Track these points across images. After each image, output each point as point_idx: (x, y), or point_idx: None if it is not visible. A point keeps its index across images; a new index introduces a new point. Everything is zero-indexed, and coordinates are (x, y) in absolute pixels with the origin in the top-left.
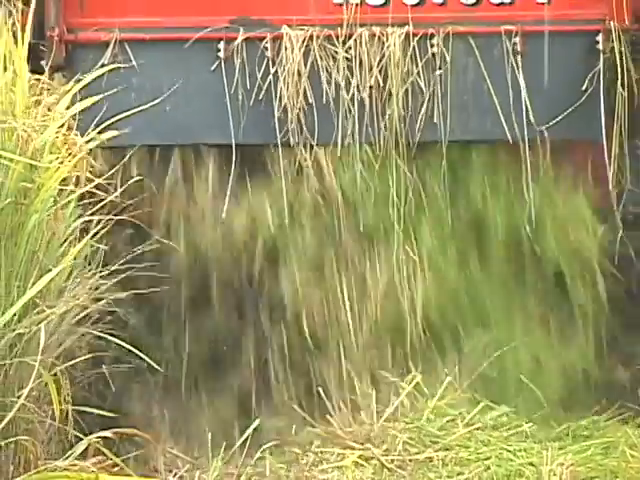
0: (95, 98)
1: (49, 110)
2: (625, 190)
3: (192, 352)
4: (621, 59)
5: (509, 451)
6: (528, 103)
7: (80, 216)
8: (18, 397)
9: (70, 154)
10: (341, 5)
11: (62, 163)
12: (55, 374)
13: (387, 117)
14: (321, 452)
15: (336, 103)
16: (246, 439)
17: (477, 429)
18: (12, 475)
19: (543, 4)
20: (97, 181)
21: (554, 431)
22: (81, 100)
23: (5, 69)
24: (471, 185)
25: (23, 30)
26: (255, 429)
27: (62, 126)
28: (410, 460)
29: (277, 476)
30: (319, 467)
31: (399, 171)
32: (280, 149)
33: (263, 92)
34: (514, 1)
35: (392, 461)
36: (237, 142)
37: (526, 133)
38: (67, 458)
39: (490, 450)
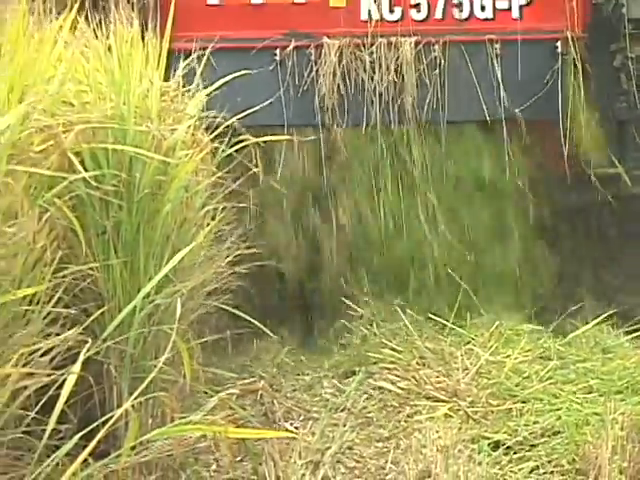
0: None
1: (178, 113)
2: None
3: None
4: (574, 59)
5: (577, 403)
6: (505, 93)
7: (206, 204)
8: (156, 360)
9: (197, 150)
10: (366, 21)
11: (190, 158)
12: (188, 339)
13: (400, 103)
14: (415, 405)
15: (362, 95)
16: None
17: (549, 384)
18: (151, 427)
19: (517, 19)
20: (219, 173)
21: (616, 384)
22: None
23: (141, 80)
24: (465, 149)
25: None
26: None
27: (190, 127)
28: (492, 411)
29: (380, 424)
30: (414, 418)
31: (410, 143)
32: (320, 129)
33: (308, 86)
34: (495, 17)
35: (476, 412)
36: (288, 124)
37: (504, 114)
38: (199, 413)
39: (560, 402)
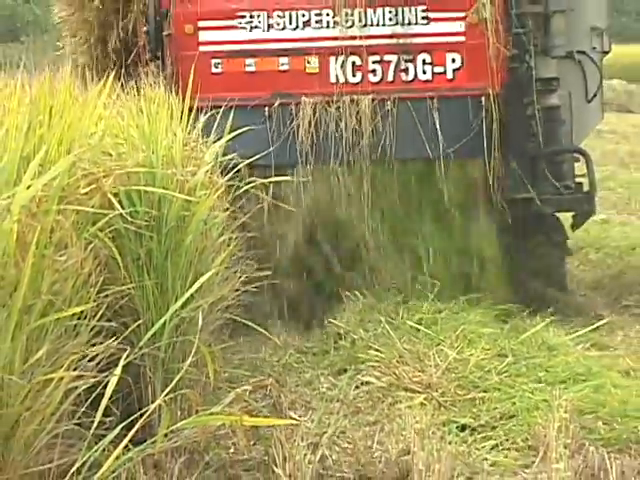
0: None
1: (197, 160)
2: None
3: None
4: (493, 110)
5: (528, 392)
6: (442, 137)
7: (222, 234)
8: (183, 363)
9: (213, 190)
10: (334, 84)
11: (208, 197)
12: (209, 345)
13: (361, 145)
14: (396, 395)
15: (330, 139)
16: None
17: (505, 377)
18: (180, 418)
19: (451, 80)
20: (231, 209)
21: (560, 375)
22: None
23: (166, 133)
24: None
25: None
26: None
27: (207, 171)
28: (459, 400)
29: (367, 412)
30: (395, 406)
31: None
32: (300, 166)
33: (289, 134)
34: (433, 79)
35: (446, 401)
36: (275, 163)
37: (441, 153)
38: (219, 406)
39: (515, 391)
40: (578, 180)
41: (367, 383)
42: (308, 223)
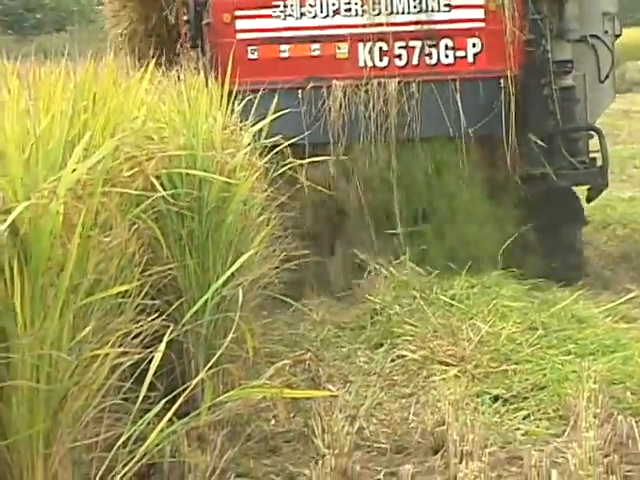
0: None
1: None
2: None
3: None
4: (511, 91)
5: (559, 363)
6: (463, 116)
7: (261, 214)
8: (224, 339)
9: (252, 171)
10: (362, 68)
11: (247, 178)
12: (249, 322)
13: (388, 124)
14: (431, 369)
15: (359, 120)
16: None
17: (536, 349)
18: (222, 392)
19: (471, 63)
20: (270, 189)
21: (589, 347)
22: None
23: (206, 117)
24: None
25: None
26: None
27: (246, 153)
28: (492, 372)
29: (403, 385)
30: (430, 379)
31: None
32: (332, 145)
33: (322, 115)
34: (455, 62)
35: (479, 373)
36: (309, 142)
37: (462, 132)
38: (260, 380)
39: (545, 363)
40: (592, 156)
41: (402, 357)
42: (340, 199)
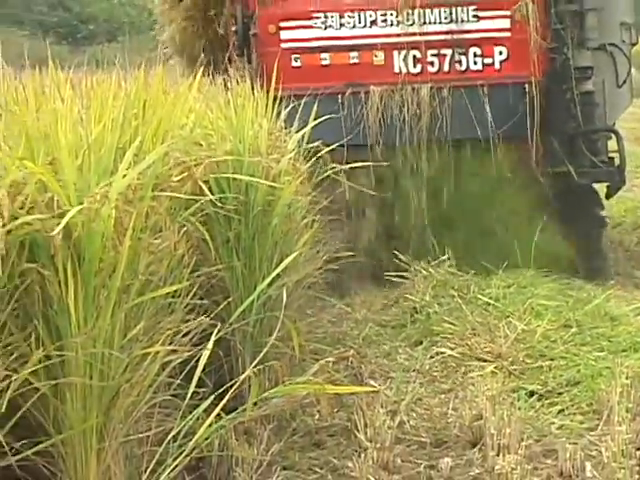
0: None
1: (281, 148)
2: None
3: None
4: (536, 96)
5: (592, 360)
6: (491, 119)
7: (305, 217)
8: (270, 337)
9: (297, 176)
10: (397, 74)
11: (292, 183)
12: (294, 321)
13: (421, 127)
14: (469, 365)
15: (394, 122)
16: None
17: (571, 346)
18: (268, 388)
19: (498, 70)
20: (313, 193)
21: (622, 344)
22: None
23: (252, 124)
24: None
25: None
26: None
27: (290, 158)
28: (527, 368)
29: (442, 381)
30: (468, 375)
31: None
32: (369, 147)
33: (360, 119)
34: (483, 69)
35: (515, 370)
36: (348, 144)
37: (490, 134)
38: (304, 376)
39: (579, 360)
40: (611, 155)
41: (441, 354)
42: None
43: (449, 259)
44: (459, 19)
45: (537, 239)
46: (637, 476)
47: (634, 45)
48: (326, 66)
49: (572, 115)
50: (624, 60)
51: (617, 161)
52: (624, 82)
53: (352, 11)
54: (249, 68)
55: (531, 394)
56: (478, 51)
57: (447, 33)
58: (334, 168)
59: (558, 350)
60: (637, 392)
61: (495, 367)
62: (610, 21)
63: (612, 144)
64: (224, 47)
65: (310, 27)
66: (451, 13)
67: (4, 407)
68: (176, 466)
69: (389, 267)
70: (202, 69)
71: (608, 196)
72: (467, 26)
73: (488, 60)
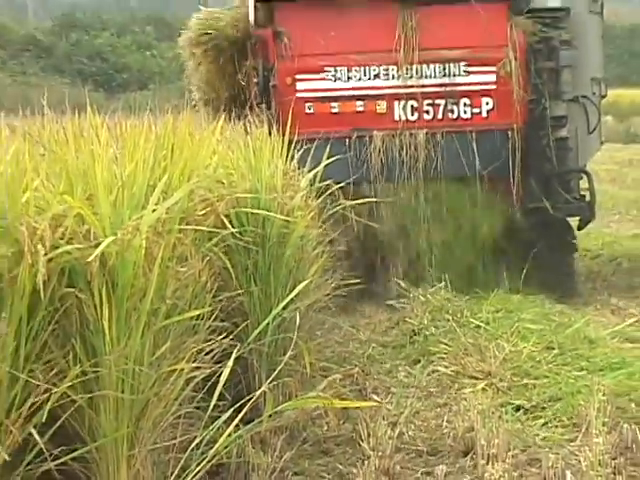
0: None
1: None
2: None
3: None
4: (517, 141)
5: (572, 378)
6: (478, 161)
7: (316, 248)
8: (283, 356)
9: (308, 211)
10: (397, 121)
11: (304, 217)
12: (306, 341)
13: (417, 167)
14: (462, 382)
15: (394, 162)
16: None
17: (553, 366)
18: (281, 402)
19: (485, 118)
20: (322, 227)
21: (599, 364)
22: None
23: (269, 164)
24: (452, 190)
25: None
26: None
27: (303, 196)
28: (514, 385)
29: (437, 396)
30: (461, 391)
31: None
32: (371, 183)
33: (364, 159)
34: (472, 117)
35: (504, 386)
36: (354, 181)
37: (477, 173)
38: (314, 391)
39: (561, 378)
40: (582, 193)
41: (437, 371)
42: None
43: (446, 285)
44: (451, 73)
45: (516, 264)
46: None
47: (603, 97)
48: (335, 113)
49: (548, 158)
50: (594, 110)
51: (588, 198)
52: (594, 129)
53: (358, 66)
54: (268, 114)
55: (517, 409)
56: (468, 101)
57: (441, 86)
58: (342, 204)
59: (542, 369)
60: (612, 408)
61: (485, 384)
62: (582, 76)
63: (584, 183)
64: (244, 96)
65: (322, 79)
66: (444, 68)
67: (45, 417)
68: (199, 471)
69: (390, 293)
70: (224, 115)
71: (580, 228)
72: (458, 80)
73: (476, 109)
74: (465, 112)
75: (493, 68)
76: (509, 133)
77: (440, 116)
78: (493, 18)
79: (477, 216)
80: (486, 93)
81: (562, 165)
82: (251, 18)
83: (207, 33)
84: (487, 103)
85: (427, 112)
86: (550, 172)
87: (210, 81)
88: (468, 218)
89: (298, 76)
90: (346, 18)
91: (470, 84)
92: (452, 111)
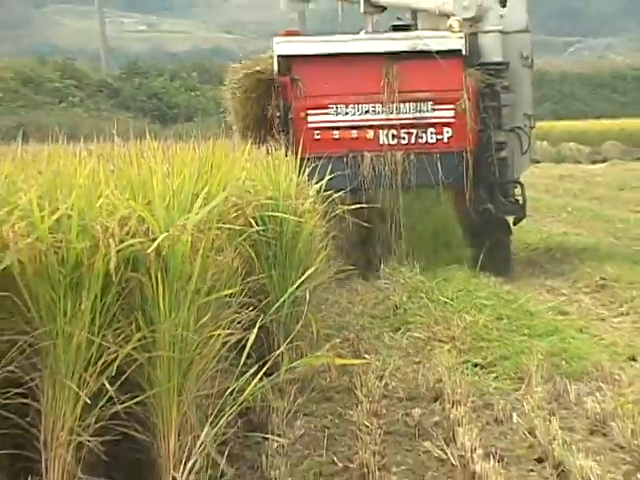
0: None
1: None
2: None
3: None
4: (470, 160)
5: (518, 342)
6: (442, 174)
7: (321, 241)
8: (296, 325)
9: (315, 214)
10: (382, 144)
11: (312, 218)
12: (314, 313)
13: (396, 179)
14: (433, 345)
15: (380, 175)
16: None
17: (504, 332)
18: (295, 359)
19: (446, 143)
20: (326, 226)
21: (538, 331)
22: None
23: (285, 178)
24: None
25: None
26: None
27: (311, 201)
28: (473, 347)
29: (414, 355)
30: (432, 352)
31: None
32: (363, 190)
33: (357, 173)
34: (437, 142)
35: (465, 348)
36: (350, 189)
37: (442, 183)
38: (321, 351)
39: (509, 342)
40: (517, 197)
41: (413, 337)
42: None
43: (418, 269)
44: (421, 110)
45: (470, 250)
46: (547, 422)
47: (532, 128)
48: (336, 139)
49: (492, 172)
50: (526, 137)
51: (520, 201)
52: (525, 152)
53: (353, 104)
54: (285, 140)
55: (475, 365)
56: (433, 130)
57: (413, 119)
58: (341, 208)
59: (494, 335)
60: (548, 364)
61: (450, 346)
62: (517, 113)
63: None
64: (267, 125)
65: (327, 114)
66: (416, 106)
67: (114, 372)
68: (231, 413)
69: (378, 275)
70: (252, 140)
71: (515, 223)
72: (426, 114)
73: (440, 136)
74: (431, 138)
75: (452, 106)
76: (464, 154)
77: (413, 141)
78: (452, 70)
79: (441, 215)
80: (447, 124)
81: (502, 177)
82: (275, 68)
83: (242, 79)
84: (447, 132)
85: (403, 138)
86: (493, 183)
87: (242, 114)
88: (434, 217)
89: (309, 112)
90: (345, 69)
91: (435, 118)
92: (422, 137)
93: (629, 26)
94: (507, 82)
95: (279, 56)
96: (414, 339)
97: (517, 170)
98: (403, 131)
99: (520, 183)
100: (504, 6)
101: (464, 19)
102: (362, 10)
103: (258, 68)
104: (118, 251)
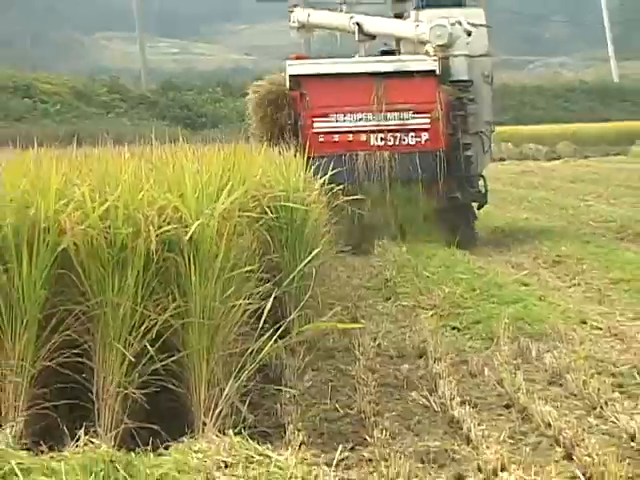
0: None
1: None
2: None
3: None
4: (443, 158)
5: (489, 309)
6: (420, 170)
7: (324, 227)
8: (305, 295)
9: (320, 203)
10: (373, 146)
11: (317, 207)
12: (319, 287)
13: (384, 173)
14: (418, 311)
15: (372, 171)
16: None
17: (478, 301)
18: (304, 324)
19: (423, 144)
20: (328, 213)
21: (505, 300)
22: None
23: (295, 174)
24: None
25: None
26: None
27: (316, 193)
28: (451, 313)
29: (402, 321)
30: (418, 317)
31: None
32: (358, 183)
33: (355, 168)
34: (416, 144)
35: (445, 314)
36: (347, 182)
37: (420, 177)
38: (325, 318)
39: (481, 308)
40: (480, 188)
41: (402, 305)
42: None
43: (405, 248)
44: (404, 118)
45: (443, 231)
46: (513, 375)
47: (492, 132)
48: (336, 141)
49: (460, 168)
50: (487, 140)
51: (483, 190)
52: (487, 151)
53: (350, 113)
54: (295, 143)
55: (453, 328)
56: (413, 134)
57: (398, 125)
58: (341, 198)
59: (468, 303)
60: (514, 327)
61: (432, 313)
62: (480, 119)
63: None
64: (280, 131)
65: (328, 121)
66: (400, 115)
67: (154, 335)
68: (251, 369)
69: (372, 253)
70: (267, 143)
71: (479, 208)
72: (408, 121)
73: (418, 139)
74: (412, 141)
75: (428, 115)
76: (438, 153)
77: (397, 143)
78: (428, 86)
79: (420, 202)
80: (424, 129)
81: (468, 172)
82: (287, 85)
83: (260, 94)
84: (424, 135)
85: (390, 140)
86: (461, 176)
87: (260, 121)
88: (415, 203)
89: (314, 119)
90: (343, 85)
91: (414, 124)
92: (404, 140)
93: (580, 47)
94: (472, 95)
95: (290, 75)
96: (402, 307)
97: (480, 166)
98: (389, 135)
99: (483, 176)
100: (469, 35)
101: (438, 45)
102: (356, 39)
103: (274, 85)
104: (157, 235)
